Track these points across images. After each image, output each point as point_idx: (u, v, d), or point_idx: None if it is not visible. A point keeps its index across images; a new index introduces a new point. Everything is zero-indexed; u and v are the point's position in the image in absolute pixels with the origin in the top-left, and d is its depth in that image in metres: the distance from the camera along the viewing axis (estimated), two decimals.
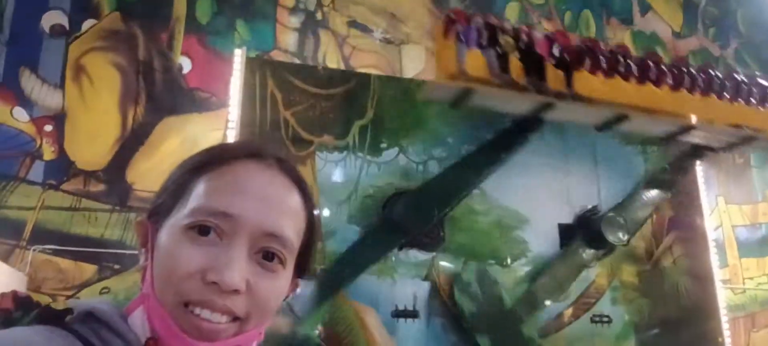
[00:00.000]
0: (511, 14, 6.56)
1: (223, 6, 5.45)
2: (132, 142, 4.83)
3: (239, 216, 0.69)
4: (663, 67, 4.38)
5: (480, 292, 4.08)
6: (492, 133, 4.32)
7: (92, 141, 4.74)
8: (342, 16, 5.88)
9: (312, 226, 0.79)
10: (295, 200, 0.76)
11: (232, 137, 3.87)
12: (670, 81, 4.35)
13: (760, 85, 4.71)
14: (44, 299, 4.14)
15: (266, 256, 0.71)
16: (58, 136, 4.70)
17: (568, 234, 4.39)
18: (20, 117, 4.69)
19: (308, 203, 0.78)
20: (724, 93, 4.53)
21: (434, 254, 4.11)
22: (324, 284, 3.78)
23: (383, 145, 4.30)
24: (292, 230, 0.74)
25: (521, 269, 4.28)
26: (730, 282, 6.18)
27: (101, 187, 4.66)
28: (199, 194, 0.71)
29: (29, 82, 4.77)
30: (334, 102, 4.31)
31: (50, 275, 4.34)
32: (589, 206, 4.49)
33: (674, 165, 4.91)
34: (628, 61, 4.26)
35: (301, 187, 0.78)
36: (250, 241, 0.70)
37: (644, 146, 4.93)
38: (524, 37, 4.02)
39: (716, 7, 7.78)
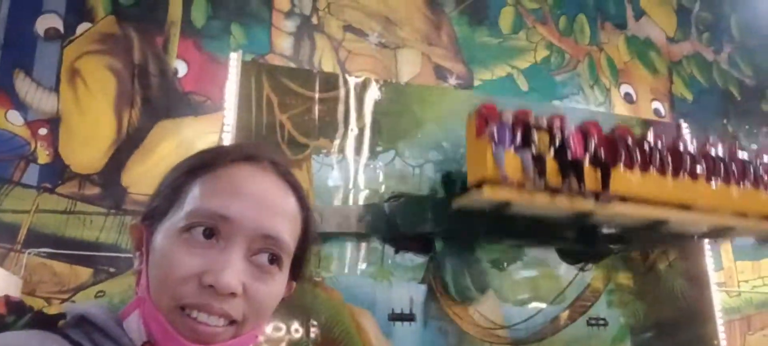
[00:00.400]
0: (506, 19, 6.57)
1: (219, 10, 5.45)
2: (127, 145, 4.81)
3: (236, 218, 0.69)
4: (692, 155, 4.32)
5: None
6: None
7: (87, 144, 4.73)
8: (337, 20, 5.88)
9: (307, 228, 0.78)
10: (290, 202, 0.75)
11: (227, 141, 3.87)
12: (704, 172, 4.30)
13: None
14: (39, 303, 4.13)
15: (262, 258, 0.71)
16: (53, 140, 4.68)
17: None
18: (15, 120, 4.67)
19: (304, 205, 0.78)
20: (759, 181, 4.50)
21: (430, 255, 4.11)
22: None
23: (379, 148, 4.30)
24: (288, 232, 0.73)
25: None
26: (726, 285, 6.19)
27: (96, 190, 4.64)
28: (194, 196, 0.71)
29: (24, 86, 4.75)
30: (330, 106, 4.31)
31: (45, 278, 4.31)
32: None
33: None
34: (660, 153, 4.22)
35: (296, 189, 0.77)
36: (247, 243, 0.70)
37: None
38: (558, 132, 3.96)
39: (710, 12, 7.80)
